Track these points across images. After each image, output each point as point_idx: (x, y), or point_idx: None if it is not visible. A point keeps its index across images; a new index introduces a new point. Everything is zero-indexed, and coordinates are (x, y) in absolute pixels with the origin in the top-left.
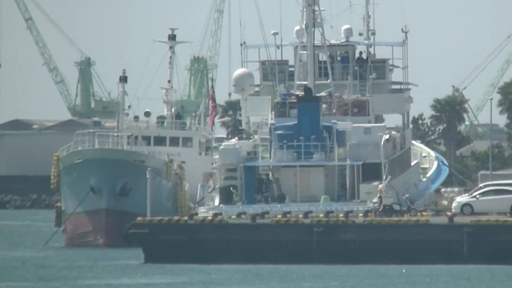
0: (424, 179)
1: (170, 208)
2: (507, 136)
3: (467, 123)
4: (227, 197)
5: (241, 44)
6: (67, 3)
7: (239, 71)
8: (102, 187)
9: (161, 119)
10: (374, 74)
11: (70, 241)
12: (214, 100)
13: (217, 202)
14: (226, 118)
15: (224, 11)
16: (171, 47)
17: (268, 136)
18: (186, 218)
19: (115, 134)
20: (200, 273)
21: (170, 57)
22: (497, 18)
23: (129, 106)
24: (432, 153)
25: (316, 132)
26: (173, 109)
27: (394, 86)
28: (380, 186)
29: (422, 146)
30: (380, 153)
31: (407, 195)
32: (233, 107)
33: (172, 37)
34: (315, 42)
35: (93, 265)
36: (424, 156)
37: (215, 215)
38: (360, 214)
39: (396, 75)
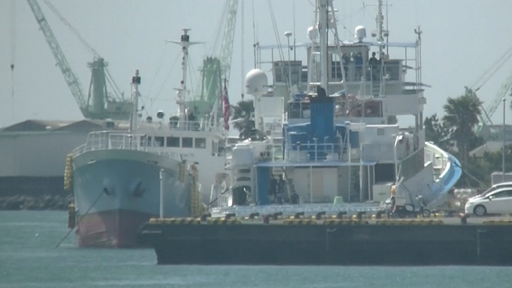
0: (437, 180)
1: (184, 208)
2: None
3: (480, 124)
4: (240, 198)
5: (254, 45)
6: (80, 4)
7: (253, 71)
8: (115, 187)
9: (174, 120)
10: (387, 75)
11: (84, 242)
12: (227, 101)
13: (230, 203)
14: (240, 119)
15: (237, 12)
16: (184, 48)
17: (281, 137)
18: (199, 219)
19: (129, 135)
20: (213, 274)
21: (183, 57)
22: (510, 19)
23: (143, 107)
24: (445, 154)
25: (330, 133)
26: (186, 110)
27: (407, 87)
28: (394, 187)
29: (435, 147)
30: (394, 154)
31: (420, 196)
32: (246, 108)
33: (185, 38)
34: (328, 42)
35: (105, 266)
36: (437, 157)
37: (228, 216)
38: (373, 215)
39: (409, 76)
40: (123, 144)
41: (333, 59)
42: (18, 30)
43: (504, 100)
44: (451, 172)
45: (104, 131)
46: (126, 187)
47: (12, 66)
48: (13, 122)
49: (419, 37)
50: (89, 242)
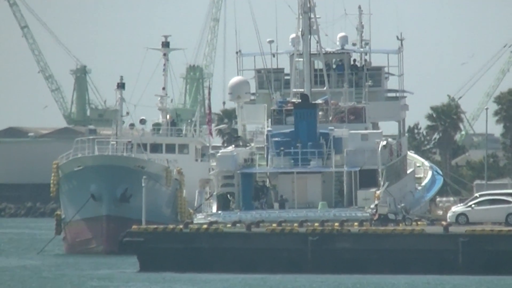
0: (419, 188)
1: (170, 214)
2: (503, 145)
3: (462, 132)
4: (224, 204)
5: (237, 52)
6: (63, 11)
7: (235, 79)
8: (102, 193)
9: (156, 126)
10: (370, 81)
11: (71, 249)
12: (209, 109)
13: (214, 209)
14: (223, 125)
15: (219, 20)
16: (164, 55)
17: (263, 145)
18: (181, 226)
19: (114, 141)
20: (194, 282)
21: (164, 64)
22: (492, 27)
23: (127, 113)
24: (426, 163)
25: (313, 139)
26: (168, 116)
27: (389, 94)
28: (378, 192)
29: (415, 156)
30: (377, 160)
31: (402, 205)
32: (228, 115)
33: (166, 44)
34: (310, 50)
35: (87, 273)
36: (418, 166)
37: (210, 223)
38: (355, 223)
39: (391, 83)
40: (109, 150)
41: (316, 66)
42: (0, 37)
43: (487, 109)
44: (432, 181)
45: (91, 137)
46: (113, 193)
47: None
48: None
49: (401, 44)
50: (76, 249)
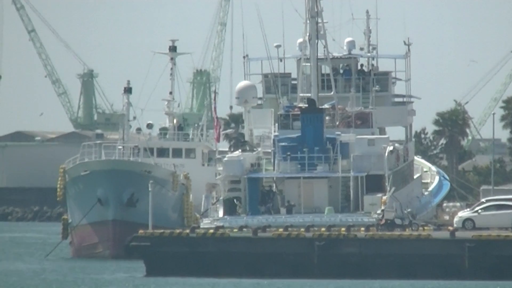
0: (426, 193)
1: (177, 218)
2: (509, 150)
3: (469, 137)
4: (230, 209)
5: (244, 57)
6: (70, 15)
7: (242, 83)
8: (109, 198)
9: (163, 130)
10: (377, 86)
11: (77, 253)
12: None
13: (221, 213)
14: (230, 130)
15: (227, 24)
16: (172, 59)
17: (270, 150)
18: (187, 231)
19: (121, 146)
20: (201, 286)
21: (171, 68)
22: (500, 32)
23: (134, 117)
24: (433, 168)
25: (320, 144)
26: (175, 121)
27: (396, 99)
28: (385, 197)
29: (422, 161)
30: (384, 165)
31: (409, 210)
32: (235, 120)
33: (173, 49)
34: (317, 55)
35: (94, 277)
36: (425, 171)
37: (217, 228)
38: (362, 229)
39: (398, 88)
40: (116, 154)
41: (323, 71)
42: (7, 41)
43: (493, 114)
44: (439, 186)
45: (98, 141)
46: (120, 197)
47: (0, 77)
48: (1, 133)
49: (409, 49)
50: (83, 253)
